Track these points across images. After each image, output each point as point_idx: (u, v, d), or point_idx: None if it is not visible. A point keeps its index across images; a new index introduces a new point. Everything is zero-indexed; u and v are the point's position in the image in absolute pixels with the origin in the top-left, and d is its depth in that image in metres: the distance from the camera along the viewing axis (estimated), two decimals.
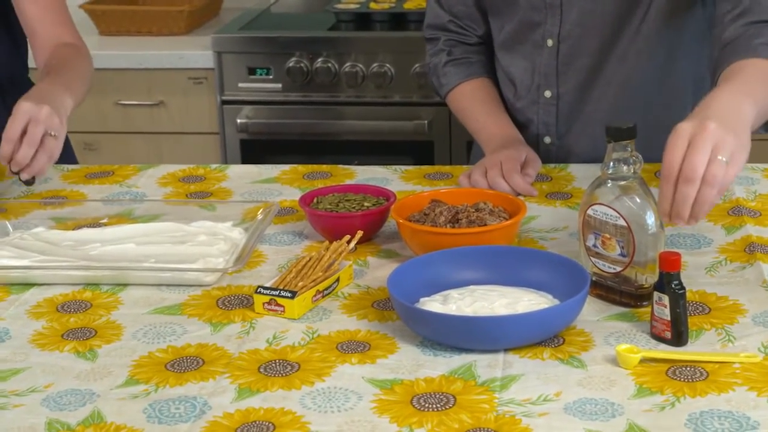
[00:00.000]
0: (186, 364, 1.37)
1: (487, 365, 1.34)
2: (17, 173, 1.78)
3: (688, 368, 1.32)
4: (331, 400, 1.28)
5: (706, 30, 1.92)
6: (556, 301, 1.43)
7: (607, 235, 1.45)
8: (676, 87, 1.97)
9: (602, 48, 1.92)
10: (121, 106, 3.16)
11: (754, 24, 1.68)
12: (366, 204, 1.71)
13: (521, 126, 2.02)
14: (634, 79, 1.94)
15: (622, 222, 1.43)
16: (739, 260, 1.59)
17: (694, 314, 1.44)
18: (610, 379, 1.30)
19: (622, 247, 1.44)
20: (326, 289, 1.52)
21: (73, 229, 1.75)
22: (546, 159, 1.99)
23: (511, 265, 1.50)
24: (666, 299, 1.36)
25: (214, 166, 2.05)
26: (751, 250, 1.62)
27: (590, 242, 1.48)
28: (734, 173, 1.37)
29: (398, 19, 3.15)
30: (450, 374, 1.32)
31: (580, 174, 1.94)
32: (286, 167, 2.02)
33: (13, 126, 1.74)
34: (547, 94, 1.99)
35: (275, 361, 1.37)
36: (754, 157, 1.52)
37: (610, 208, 1.44)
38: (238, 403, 1.28)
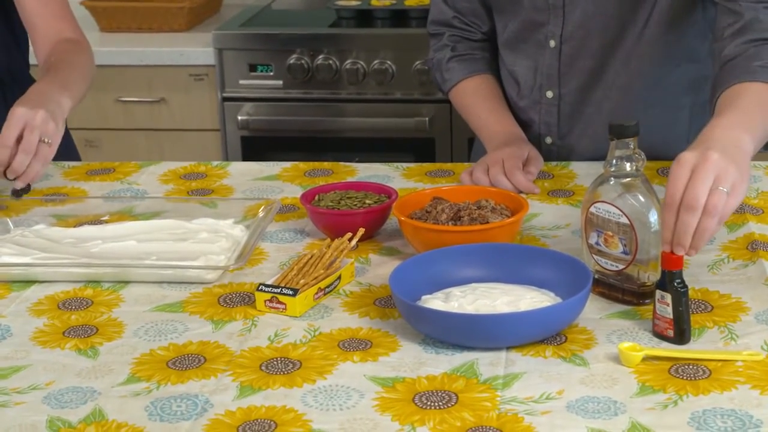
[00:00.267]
0: (187, 361, 1.37)
1: (489, 363, 1.34)
2: (12, 179, 1.78)
3: (691, 366, 1.31)
4: (332, 398, 1.28)
5: (706, 32, 1.92)
6: (559, 299, 1.42)
7: (610, 233, 1.45)
8: (676, 88, 1.97)
9: (604, 50, 1.92)
10: (121, 102, 3.15)
11: (753, 43, 1.69)
12: (368, 201, 1.71)
13: (523, 125, 2.02)
14: (636, 81, 1.94)
15: (624, 219, 1.43)
16: (742, 258, 1.59)
17: (697, 312, 1.44)
18: (613, 378, 1.30)
19: (625, 245, 1.44)
20: (328, 286, 1.52)
21: (74, 227, 1.75)
22: (547, 159, 1.99)
23: (513, 263, 1.49)
24: (668, 297, 1.36)
25: (215, 163, 2.05)
26: (753, 247, 1.62)
27: (593, 240, 1.48)
28: (735, 204, 1.39)
29: (399, 16, 3.14)
30: (452, 372, 1.32)
31: (582, 171, 1.93)
32: (288, 164, 2.02)
33: (9, 132, 1.75)
34: (549, 94, 1.99)
35: (277, 358, 1.37)
36: (756, 155, 1.53)
37: (613, 205, 1.44)
38: (239, 401, 1.28)
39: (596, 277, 1.48)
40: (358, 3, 3.18)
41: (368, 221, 1.66)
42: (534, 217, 1.75)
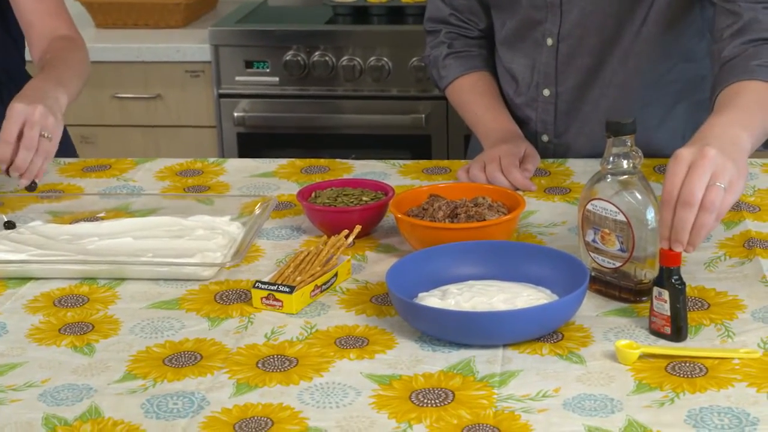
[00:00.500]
0: (184, 359, 1.36)
1: (486, 361, 1.34)
2: (18, 176, 1.78)
3: (688, 364, 1.31)
4: (329, 395, 1.28)
5: (704, 31, 1.93)
6: (555, 297, 1.42)
7: (607, 231, 1.45)
8: (673, 87, 1.97)
9: (602, 49, 1.92)
10: (117, 99, 3.15)
11: (752, 43, 1.69)
12: (364, 198, 1.70)
13: (520, 123, 2.02)
14: (633, 79, 1.94)
15: (621, 217, 1.43)
16: (738, 255, 1.59)
17: (693, 310, 1.44)
18: (610, 375, 1.30)
19: (622, 243, 1.44)
20: (324, 284, 1.51)
21: (70, 223, 1.75)
22: (544, 157, 1.99)
23: (510, 261, 1.49)
24: (666, 294, 1.36)
25: (211, 160, 2.04)
26: (750, 245, 1.62)
27: (589, 237, 1.48)
28: (732, 200, 1.39)
29: (396, 13, 3.14)
30: (449, 370, 1.32)
31: (579, 169, 1.93)
32: (284, 161, 2.02)
33: (10, 128, 1.75)
34: (546, 92, 1.99)
35: (273, 356, 1.36)
36: (753, 153, 1.53)
37: (610, 203, 1.44)
38: (236, 399, 1.27)
39: (593, 274, 1.48)
40: (355, 0, 3.18)
41: (365, 218, 1.66)
42: (531, 214, 1.75)
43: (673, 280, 1.36)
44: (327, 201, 1.70)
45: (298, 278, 1.49)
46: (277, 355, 1.37)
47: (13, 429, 1.23)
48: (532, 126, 2.02)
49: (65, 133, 2.15)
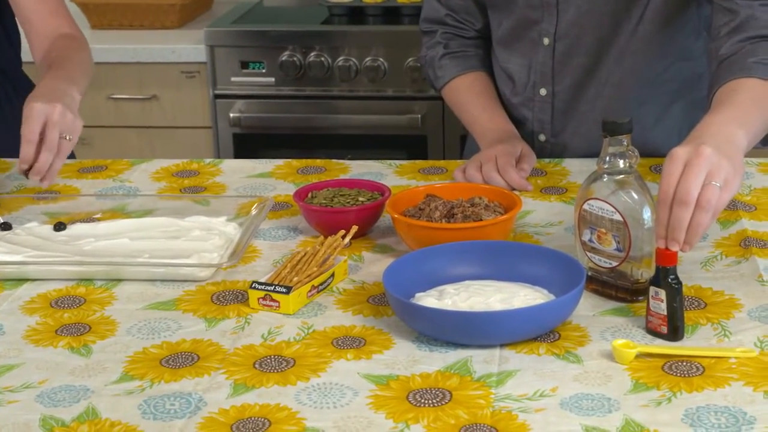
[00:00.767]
0: (181, 359, 1.36)
1: (483, 360, 1.34)
2: (38, 179, 1.76)
3: (684, 363, 1.31)
4: (326, 395, 1.28)
5: (700, 30, 1.93)
6: (552, 296, 1.42)
7: (603, 230, 1.45)
8: (669, 86, 1.97)
9: (598, 48, 1.93)
10: (113, 100, 3.15)
11: (750, 40, 1.69)
12: (361, 199, 1.70)
13: (517, 122, 2.02)
14: (630, 78, 1.94)
15: (618, 217, 1.43)
16: (735, 255, 1.59)
17: (690, 309, 1.44)
18: (606, 375, 1.30)
19: (618, 242, 1.44)
20: (321, 284, 1.51)
21: (67, 224, 1.74)
22: (541, 156, 1.99)
23: (507, 260, 1.49)
24: (662, 294, 1.36)
25: (207, 160, 2.04)
26: (746, 244, 1.62)
27: (586, 237, 1.48)
28: (727, 198, 1.39)
29: (391, 13, 3.14)
30: (446, 370, 1.32)
31: (575, 169, 1.93)
32: (280, 162, 2.02)
33: (31, 128, 1.73)
34: (543, 91, 1.99)
35: (270, 356, 1.36)
36: (749, 152, 1.53)
37: (606, 202, 1.44)
38: (233, 399, 1.27)
39: (589, 274, 1.48)
40: (350, 0, 3.18)
41: (361, 218, 1.66)
42: (527, 214, 1.75)
43: (669, 280, 1.36)
44: (323, 201, 1.70)
45: (295, 279, 1.49)
46: (274, 356, 1.36)
47: (10, 430, 1.23)
48: (529, 125, 2.02)
49: None
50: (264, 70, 3.06)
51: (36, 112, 1.74)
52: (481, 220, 1.58)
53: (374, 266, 1.59)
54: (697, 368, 1.30)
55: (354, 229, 1.60)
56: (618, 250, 1.44)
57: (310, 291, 1.49)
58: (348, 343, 1.39)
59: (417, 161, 2.01)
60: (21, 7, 2.03)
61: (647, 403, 1.24)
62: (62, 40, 2.01)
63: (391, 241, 1.67)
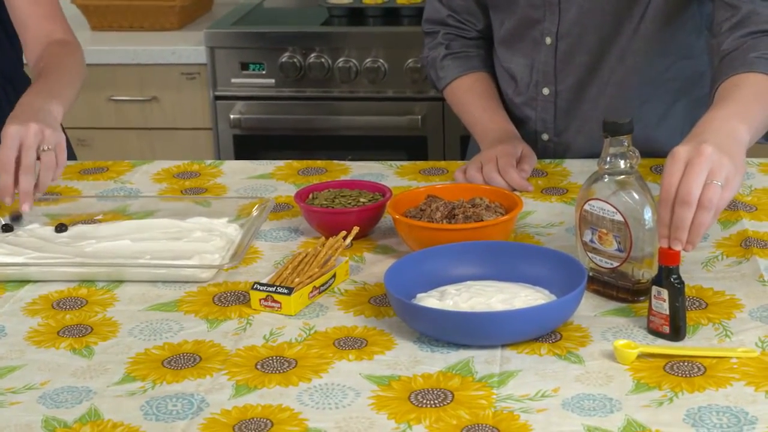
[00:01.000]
0: (183, 361, 1.37)
1: (484, 361, 1.34)
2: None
3: (686, 363, 1.31)
4: (328, 396, 1.28)
5: (702, 28, 1.93)
6: (553, 297, 1.43)
7: (604, 231, 1.45)
8: (671, 84, 1.97)
9: (601, 47, 1.93)
10: (113, 101, 3.15)
11: (751, 35, 1.69)
12: (362, 200, 1.71)
13: (519, 122, 2.02)
14: (632, 77, 1.94)
15: (619, 217, 1.43)
16: (736, 255, 1.59)
17: (691, 309, 1.44)
18: (608, 375, 1.30)
19: (619, 243, 1.44)
20: (323, 285, 1.52)
21: (68, 225, 1.74)
22: (544, 156, 1.99)
23: (508, 261, 1.50)
24: (665, 293, 1.36)
25: (208, 162, 2.04)
26: (747, 244, 1.62)
27: (587, 237, 1.48)
28: (729, 197, 1.39)
29: (391, 14, 3.14)
30: (447, 370, 1.32)
31: (576, 169, 1.93)
32: (281, 163, 2.02)
33: (7, 153, 1.71)
34: (545, 91, 1.99)
35: (272, 357, 1.37)
36: (749, 152, 1.53)
37: (607, 203, 1.44)
38: (235, 400, 1.28)
39: (591, 274, 1.48)
40: (350, 1, 3.18)
41: (362, 219, 1.66)
42: (528, 215, 1.75)
43: (672, 279, 1.36)
44: (324, 202, 1.70)
45: (297, 280, 1.49)
46: (276, 357, 1.37)
47: (12, 431, 1.23)
48: (532, 125, 2.03)
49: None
50: (264, 72, 3.06)
51: (10, 138, 1.72)
52: (482, 220, 1.58)
53: (375, 267, 1.59)
54: (699, 368, 1.30)
55: (355, 230, 1.60)
56: (619, 250, 1.45)
57: (311, 292, 1.49)
58: (350, 343, 1.39)
59: (417, 162, 2.01)
60: (16, 11, 2.03)
61: (649, 404, 1.24)
62: (54, 46, 2.00)
63: (392, 242, 1.67)
